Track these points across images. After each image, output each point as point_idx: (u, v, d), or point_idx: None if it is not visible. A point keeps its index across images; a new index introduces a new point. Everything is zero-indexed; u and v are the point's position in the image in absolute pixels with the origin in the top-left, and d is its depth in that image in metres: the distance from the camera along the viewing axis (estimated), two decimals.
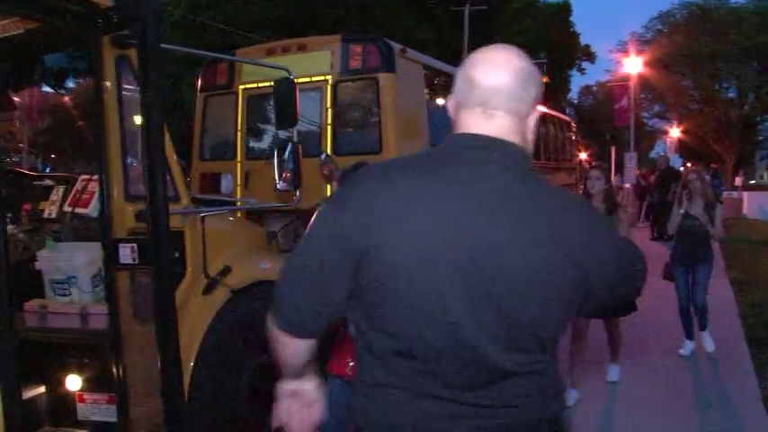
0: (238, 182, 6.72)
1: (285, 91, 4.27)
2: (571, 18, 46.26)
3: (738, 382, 5.68)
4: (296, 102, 4.25)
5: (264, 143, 7.09)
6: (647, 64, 24.92)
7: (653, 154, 55.57)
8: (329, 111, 6.27)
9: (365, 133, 6.35)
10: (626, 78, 23.50)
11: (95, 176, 4.03)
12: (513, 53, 1.49)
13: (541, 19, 41.63)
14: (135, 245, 3.28)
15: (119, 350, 3.44)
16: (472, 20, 30.17)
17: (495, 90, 1.44)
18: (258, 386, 4.14)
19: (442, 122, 7.38)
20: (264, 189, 6.47)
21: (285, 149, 4.42)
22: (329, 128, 6.26)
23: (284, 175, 4.43)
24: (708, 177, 6.87)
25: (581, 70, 51.04)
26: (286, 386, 1.69)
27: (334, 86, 6.26)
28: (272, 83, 4.35)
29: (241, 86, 6.76)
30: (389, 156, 6.08)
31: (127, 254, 3.33)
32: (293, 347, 1.54)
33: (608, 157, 31.31)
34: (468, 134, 1.46)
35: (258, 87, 6.71)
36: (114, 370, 3.45)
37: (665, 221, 14.88)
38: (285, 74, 4.43)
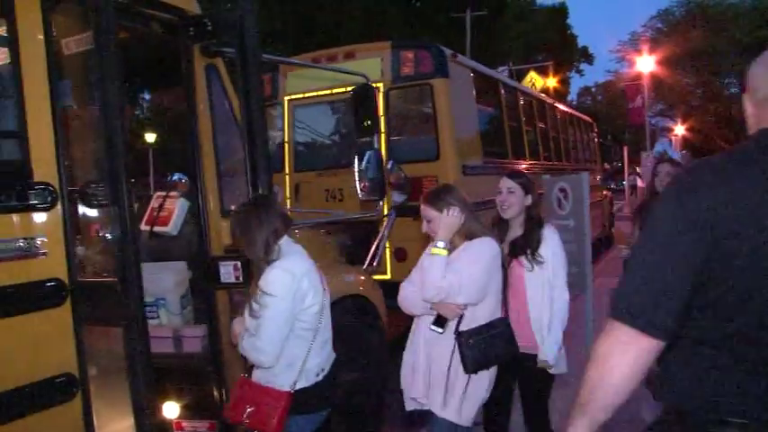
0: (287, 194, 6.57)
1: (364, 98, 4.13)
2: (568, 21, 46.60)
3: None
4: (377, 108, 4.12)
5: (313, 154, 6.95)
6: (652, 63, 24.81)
7: (655, 153, 55.50)
8: (382, 118, 6.11)
9: (421, 140, 6.20)
10: (636, 77, 23.53)
11: (172, 193, 3.89)
12: None
13: (538, 22, 41.78)
14: (239, 262, 3.12)
15: (219, 373, 3.28)
16: (473, 25, 30.13)
17: None
18: (351, 402, 4.00)
19: (488, 126, 7.27)
20: (315, 201, 6.33)
21: (363, 158, 4.27)
22: (383, 136, 6.10)
23: (363, 184, 4.28)
24: None
25: (579, 72, 51.39)
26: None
27: (386, 94, 6.12)
28: (351, 90, 4.19)
29: (286, 97, 6.61)
30: (448, 163, 5.96)
31: (229, 272, 3.17)
32: (635, 354, 1.45)
33: (608, 159, 31.28)
34: None
35: (304, 98, 6.57)
36: (215, 394, 3.30)
37: None
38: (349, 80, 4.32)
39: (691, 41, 30.61)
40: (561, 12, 45.47)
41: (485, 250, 2.91)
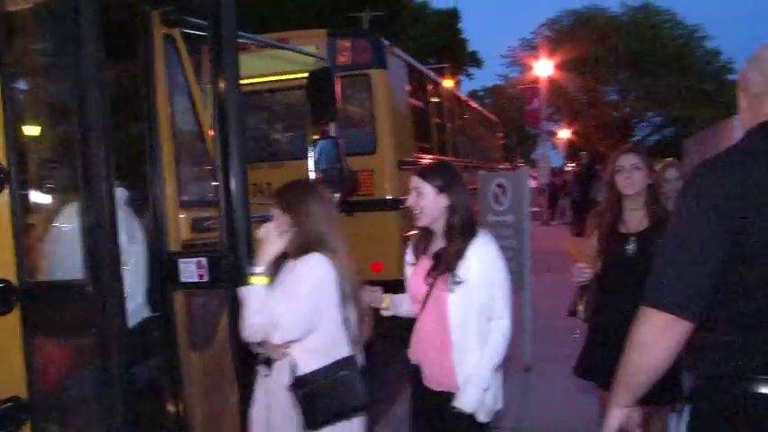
0: None
1: (322, 82, 3.84)
2: (459, 25, 47.66)
3: None
4: (334, 94, 3.83)
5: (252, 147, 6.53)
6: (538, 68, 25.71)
7: (535, 155, 57.85)
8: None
9: (358, 133, 5.95)
10: (531, 82, 24.36)
11: None
12: None
13: (431, 25, 42.48)
14: (204, 259, 2.76)
15: (178, 386, 2.89)
16: (370, 25, 30.19)
17: None
18: None
19: (418, 121, 7.12)
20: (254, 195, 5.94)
21: (317, 148, 3.98)
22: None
23: (317, 176, 3.99)
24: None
25: (469, 75, 52.72)
26: (619, 412, 1.75)
27: None
28: (307, 74, 3.89)
29: (209, 85, 6.15)
30: (385, 156, 5.75)
31: (191, 270, 2.79)
32: (671, 337, 1.62)
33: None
34: None
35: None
36: (173, 409, 2.91)
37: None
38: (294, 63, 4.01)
39: (576, 49, 32.11)
40: (453, 16, 46.42)
41: (307, 273, 2.36)
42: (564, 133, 36.57)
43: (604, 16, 36.42)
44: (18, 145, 2.00)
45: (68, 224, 2.13)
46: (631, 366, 1.69)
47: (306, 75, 5.64)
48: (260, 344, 2.39)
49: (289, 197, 2.48)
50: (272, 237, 2.37)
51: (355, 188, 5.27)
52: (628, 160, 3.08)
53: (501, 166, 13.43)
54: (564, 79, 32.53)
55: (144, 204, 2.85)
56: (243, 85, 5.98)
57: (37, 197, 2.26)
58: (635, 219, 3.09)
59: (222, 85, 2.61)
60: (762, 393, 1.59)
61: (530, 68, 28.22)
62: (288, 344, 2.34)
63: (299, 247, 2.40)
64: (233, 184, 2.66)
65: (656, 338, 1.64)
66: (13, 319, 2.04)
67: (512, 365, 5.57)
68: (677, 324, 1.61)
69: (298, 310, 2.30)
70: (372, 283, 6.22)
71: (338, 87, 5.84)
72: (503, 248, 5.62)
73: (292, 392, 2.35)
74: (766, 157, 1.62)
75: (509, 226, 5.73)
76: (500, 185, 5.83)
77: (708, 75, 36.48)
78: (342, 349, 2.40)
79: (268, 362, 2.42)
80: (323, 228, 2.44)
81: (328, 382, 2.33)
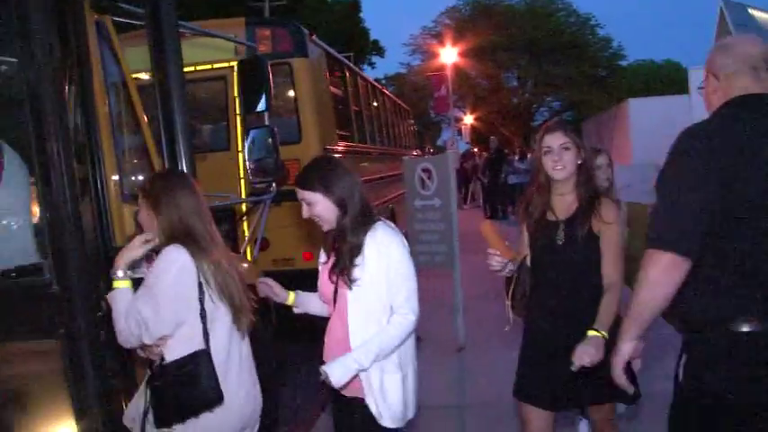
0: None
1: (254, 71, 3.80)
2: (360, 14, 47.75)
3: None
4: (268, 82, 3.80)
5: None
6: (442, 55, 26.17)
7: (441, 141, 58.87)
8: (237, 100, 5.71)
9: (281, 122, 5.88)
10: (437, 69, 24.79)
11: None
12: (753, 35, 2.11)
13: (333, 14, 42.38)
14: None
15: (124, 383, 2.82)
16: (271, 15, 29.78)
17: (763, 57, 1.98)
18: None
19: (338, 109, 7.13)
20: None
21: (249, 137, 3.95)
22: (238, 118, 5.70)
23: (250, 166, 3.96)
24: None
25: (371, 65, 52.97)
26: (630, 344, 1.97)
27: None
28: (237, 62, 3.84)
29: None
30: (310, 145, 5.74)
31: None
32: (676, 274, 1.84)
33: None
34: (755, 95, 1.95)
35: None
36: (122, 405, 2.83)
37: (501, 201, 15.93)
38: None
39: (477, 37, 32.92)
40: (354, 5, 46.43)
41: (166, 267, 2.30)
42: (468, 119, 37.42)
43: (502, 5, 37.50)
44: None
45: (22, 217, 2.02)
46: (642, 303, 1.93)
47: (228, 64, 5.60)
48: (141, 348, 2.36)
49: (154, 188, 2.41)
50: (135, 243, 2.36)
51: (287, 178, 5.24)
52: (556, 140, 2.74)
53: (414, 153, 13.63)
54: (467, 66, 33.35)
55: (86, 198, 2.74)
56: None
57: None
58: (564, 204, 2.79)
59: (165, 73, 2.55)
60: (744, 332, 1.83)
61: (433, 56, 28.71)
62: (160, 341, 2.30)
63: (165, 241, 2.36)
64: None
65: (664, 276, 1.86)
66: None
67: (445, 346, 5.76)
68: (681, 262, 1.84)
69: (161, 307, 2.25)
70: (302, 272, 6.19)
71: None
72: (432, 231, 5.88)
73: (148, 386, 2.37)
74: (736, 126, 1.92)
75: (437, 209, 5.87)
76: (426, 170, 5.95)
77: (600, 61, 38.30)
78: (198, 344, 2.32)
79: (151, 365, 2.39)
80: (192, 220, 2.37)
81: (176, 376, 2.28)
